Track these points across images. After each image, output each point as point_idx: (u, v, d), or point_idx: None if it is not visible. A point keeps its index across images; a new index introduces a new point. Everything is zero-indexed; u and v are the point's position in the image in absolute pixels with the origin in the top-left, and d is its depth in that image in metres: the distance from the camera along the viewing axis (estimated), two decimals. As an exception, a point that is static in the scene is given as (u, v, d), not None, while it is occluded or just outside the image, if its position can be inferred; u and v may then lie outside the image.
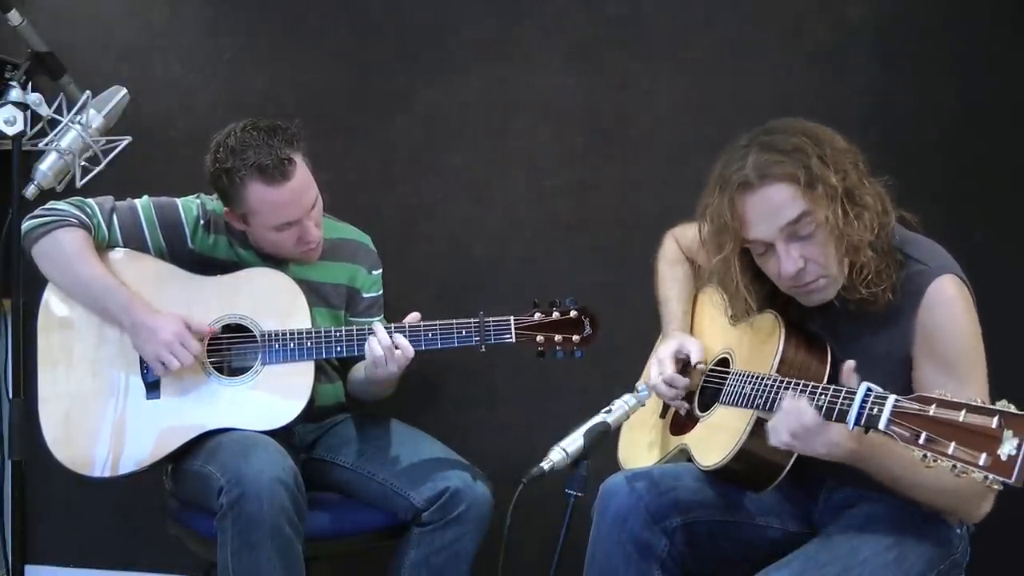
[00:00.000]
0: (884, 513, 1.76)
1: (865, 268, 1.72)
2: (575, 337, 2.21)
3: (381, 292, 2.51)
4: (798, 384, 1.68)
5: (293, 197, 2.20)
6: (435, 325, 2.20)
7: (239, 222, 2.27)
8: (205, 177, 2.24)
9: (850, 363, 1.63)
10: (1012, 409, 1.32)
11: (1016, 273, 2.53)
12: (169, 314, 2.20)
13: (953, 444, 1.35)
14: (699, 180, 1.85)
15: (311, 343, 2.22)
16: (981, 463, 1.31)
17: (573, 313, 2.22)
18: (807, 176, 1.69)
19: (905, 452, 1.53)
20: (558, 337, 2.21)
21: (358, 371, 2.40)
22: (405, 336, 2.19)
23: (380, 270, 2.50)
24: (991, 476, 1.30)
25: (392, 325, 2.22)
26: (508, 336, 2.20)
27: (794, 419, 1.62)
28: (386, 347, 2.16)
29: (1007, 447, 1.29)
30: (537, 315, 2.21)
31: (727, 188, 1.75)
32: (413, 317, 2.22)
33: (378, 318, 2.48)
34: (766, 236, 1.75)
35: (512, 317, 2.20)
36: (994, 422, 1.32)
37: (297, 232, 2.24)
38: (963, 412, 1.36)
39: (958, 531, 1.79)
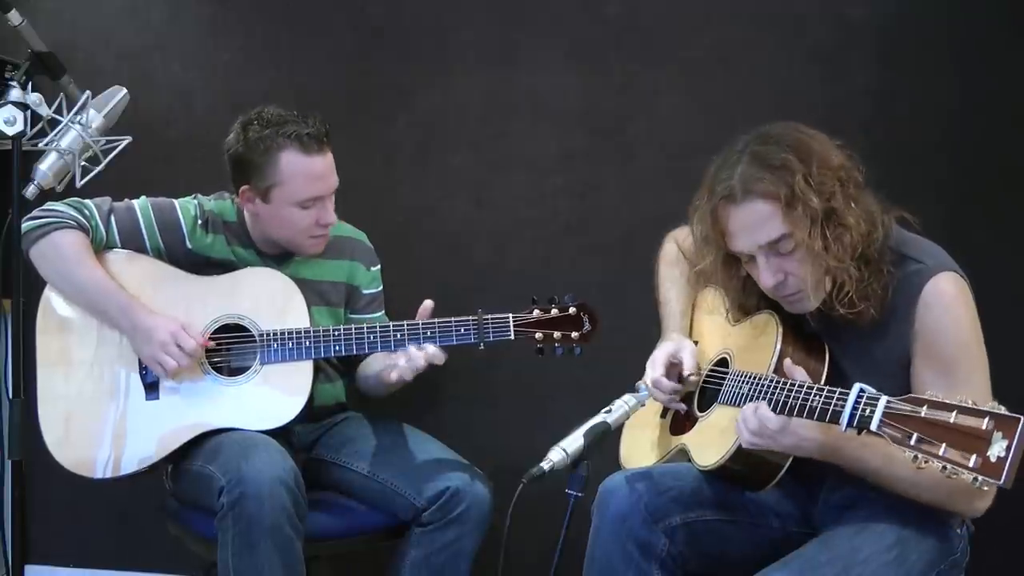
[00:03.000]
0: (884, 513, 1.76)
1: (845, 286, 1.73)
2: (574, 334, 2.21)
3: (380, 288, 2.51)
4: (795, 383, 1.68)
5: (324, 171, 2.24)
6: (434, 323, 2.20)
7: (256, 200, 2.25)
8: (227, 151, 2.25)
9: (787, 360, 1.71)
10: (1002, 411, 1.33)
11: (1016, 273, 2.53)
12: (166, 316, 2.20)
13: (944, 445, 1.36)
14: (699, 180, 1.86)
15: (309, 342, 2.22)
16: (971, 464, 1.32)
17: (572, 310, 2.21)
18: (789, 196, 1.69)
19: (880, 444, 1.54)
20: (557, 334, 2.21)
21: (370, 366, 2.40)
22: (404, 334, 2.19)
23: (378, 266, 2.51)
24: (980, 478, 1.31)
25: (390, 325, 2.22)
26: (507, 333, 2.20)
27: (753, 421, 1.66)
28: (420, 360, 2.17)
29: (996, 449, 1.31)
30: (536, 312, 2.21)
31: (712, 197, 1.77)
32: (427, 307, 2.22)
33: (379, 314, 2.48)
34: (746, 250, 1.77)
35: (511, 314, 2.20)
36: (984, 424, 1.33)
37: (317, 213, 2.25)
38: (954, 414, 1.37)
39: (958, 531, 1.80)
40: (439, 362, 2.18)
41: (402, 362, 2.18)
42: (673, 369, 2.02)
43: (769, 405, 1.71)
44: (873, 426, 1.48)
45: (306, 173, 2.21)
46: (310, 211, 2.24)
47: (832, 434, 1.64)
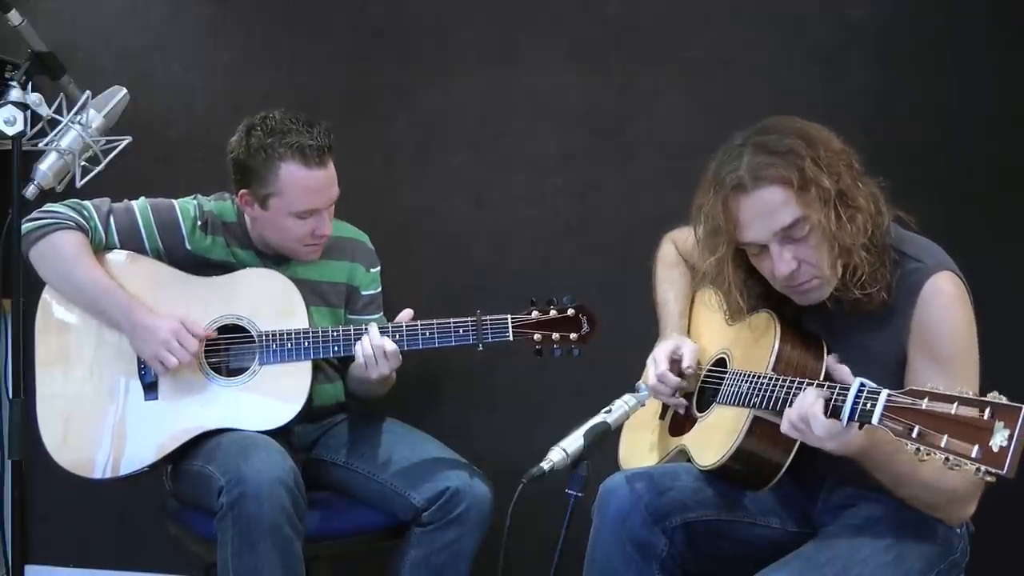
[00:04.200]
0: (883, 513, 1.76)
1: (859, 269, 1.72)
2: (573, 335, 2.21)
3: (379, 290, 2.51)
4: (794, 381, 1.68)
5: (324, 184, 2.23)
6: (432, 324, 2.20)
7: (254, 206, 2.26)
8: (230, 154, 2.25)
9: (832, 357, 1.68)
10: (1003, 400, 1.33)
11: (1016, 273, 2.53)
12: (166, 315, 2.20)
13: (946, 437, 1.36)
14: (699, 180, 1.85)
15: (308, 343, 2.22)
16: (973, 455, 1.32)
17: (570, 311, 2.21)
18: (800, 179, 1.69)
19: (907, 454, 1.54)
20: (556, 335, 2.21)
21: (355, 368, 2.41)
22: (402, 335, 2.19)
23: (378, 268, 2.51)
24: (983, 468, 1.31)
25: (388, 325, 2.22)
26: (505, 335, 2.20)
27: (801, 413, 1.60)
28: (376, 347, 2.17)
29: (998, 438, 1.30)
30: (534, 313, 2.21)
31: (721, 190, 1.75)
32: (405, 315, 2.23)
33: (377, 315, 2.48)
34: (760, 239, 1.75)
35: (509, 315, 2.20)
36: (986, 413, 1.32)
37: (313, 223, 2.25)
38: (955, 405, 1.37)
39: (957, 531, 1.79)
40: (391, 347, 2.17)
41: (368, 352, 2.17)
42: (675, 366, 2.02)
43: (770, 403, 1.71)
44: (874, 420, 1.48)
45: (305, 186, 2.20)
46: (307, 222, 2.24)
47: (874, 438, 1.60)
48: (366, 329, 2.20)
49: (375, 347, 2.17)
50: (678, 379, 2.00)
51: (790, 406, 1.64)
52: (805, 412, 1.59)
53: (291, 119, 2.22)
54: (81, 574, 3.07)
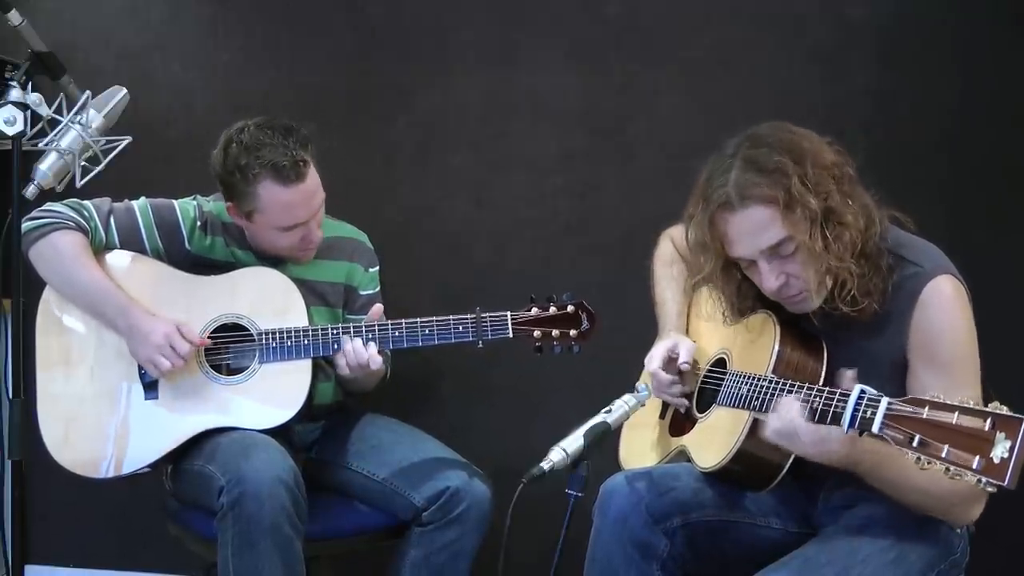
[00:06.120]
0: (883, 514, 1.76)
1: (847, 283, 1.72)
2: (572, 332, 2.21)
3: (378, 289, 2.51)
4: (794, 385, 1.68)
5: (303, 199, 2.21)
6: (432, 321, 2.20)
7: (241, 218, 2.26)
8: (212, 170, 2.23)
9: (851, 372, 1.64)
10: (1004, 411, 1.32)
11: (1016, 273, 2.53)
12: (162, 318, 2.20)
13: (946, 447, 1.35)
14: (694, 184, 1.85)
15: (308, 341, 2.22)
16: (974, 466, 1.31)
17: (570, 308, 2.21)
18: (787, 198, 1.69)
19: (899, 456, 1.54)
20: (555, 332, 2.20)
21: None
22: (402, 332, 2.20)
23: (377, 267, 2.50)
24: (984, 479, 1.30)
25: (388, 323, 2.22)
26: (505, 332, 2.20)
27: (785, 423, 1.63)
28: (363, 364, 2.19)
29: (999, 450, 1.30)
30: (534, 311, 2.21)
31: (709, 206, 1.76)
32: (376, 311, 2.25)
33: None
34: (747, 255, 1.76)
35: (509, 312, 2.20)
36: (986, 424, 1.32)
37: (301, 233, 2.25)
38: (956, 414, 1.36)
39: (958, 531, 1.79)
40: (375, 366, 2.20)
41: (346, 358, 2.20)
42: (672, 364, 2.02)
43: (770, 406, 1.71)
44: (875, 428, 1.47)
45: (283, 203, 2.18)
46: (294, 232, 2.24)
47: (857, 448, 1.61)
48: (349, 338, 2.20)
49: (362, 364, 2.19)
50: (670, 377, 2.00)
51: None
52: (789, 421, 1.61)
53: (266, 130, 2.17)
54: (81, 574, 3.07)
